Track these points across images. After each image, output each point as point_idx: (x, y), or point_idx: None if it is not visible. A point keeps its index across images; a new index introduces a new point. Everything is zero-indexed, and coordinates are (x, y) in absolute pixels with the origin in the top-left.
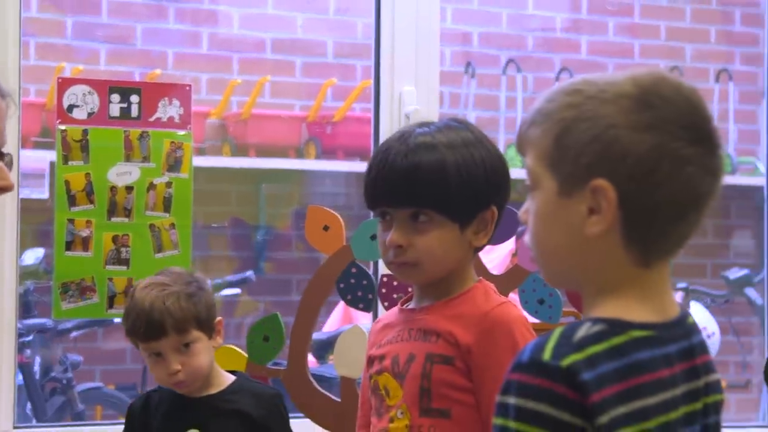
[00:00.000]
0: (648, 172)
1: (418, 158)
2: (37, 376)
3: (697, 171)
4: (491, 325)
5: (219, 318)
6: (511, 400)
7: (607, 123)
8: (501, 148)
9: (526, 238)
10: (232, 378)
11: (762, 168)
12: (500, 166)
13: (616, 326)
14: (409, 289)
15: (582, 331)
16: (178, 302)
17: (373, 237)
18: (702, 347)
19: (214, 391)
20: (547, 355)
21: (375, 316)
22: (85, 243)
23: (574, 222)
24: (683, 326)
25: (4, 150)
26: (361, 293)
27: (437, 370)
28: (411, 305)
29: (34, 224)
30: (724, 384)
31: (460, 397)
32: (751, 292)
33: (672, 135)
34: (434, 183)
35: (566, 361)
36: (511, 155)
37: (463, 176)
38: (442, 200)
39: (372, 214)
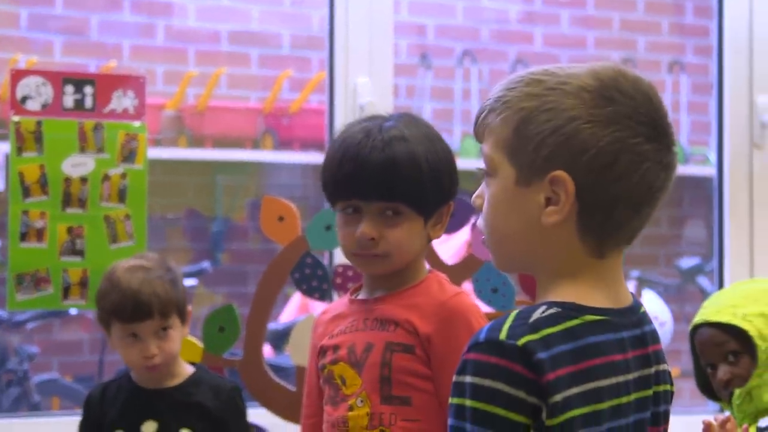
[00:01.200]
0: (606, 166)
1: (394, 153)
2: None
3: (653, 167)
4: (449, 315)
5: (189, 307)
6: (468, 378)
7: (569, 116)
8: (457, 139)
9: (479, 222)
10: (191, 370)
11: (713, 158)
12: (454, 160)
13: (571, 310)
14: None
15: (537, 314)
16: (163, 286)
17: (328, 227)
18: (653, 336)
19: (173, 383)
20: (503, 334)
21: None
22: (40, 234)
23: (530, 211)
24: (636, 315)
25: None
26: (316, 283)
27: (398, 359)
28: (361, 295)
29: None
30: (677, 372)
31: (421, 384)
32: (703, 281)
33: (632, 130)
34: (410, 178)
35: (522, 341)
36: (466, 146)
37: (433, 171)
38: (416, 195)
39: (327, 204)
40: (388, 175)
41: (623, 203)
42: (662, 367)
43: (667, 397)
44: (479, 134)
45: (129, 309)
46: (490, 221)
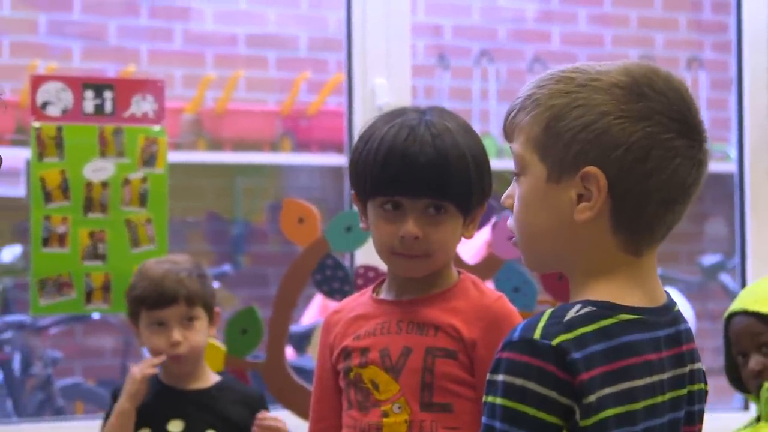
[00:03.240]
0: (638, 161)
1: (446, 149)
2: (18, 373)
3: (685, 163)
4: (495, 319)
5: (218, 309)
6: (500, 377)
7: (600, 111)
8: None
9: (510, 222)
10: (217, 377)
11: (733, 155)
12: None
13: (605, 309)
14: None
15: (572, 313)
16: (189, 277)
17: (349, 229)
18: (688, 335)
19: (200, 386)
20: (537, 333)
21: None
22: (62, 239)
23: (562, 208)
24: (670, 313)
25: None
26: (337, 285)
27: (440, 364)
28: (387, 296)
29: (12, 221)
30: None
31: (462, 391)
32: (725, 278)
33: (663, 126)
34: (459, 175)
35: (556, 341)
36: (486, 146)
37: (478, 168)
38: (464, 193)
39: (347, 206)
40: (440, 172)
41: (655, 199)
42: (696, 365)
43: (702, 396)
44: (509, 134)
45: (154, 295)
46: (521, 220)
